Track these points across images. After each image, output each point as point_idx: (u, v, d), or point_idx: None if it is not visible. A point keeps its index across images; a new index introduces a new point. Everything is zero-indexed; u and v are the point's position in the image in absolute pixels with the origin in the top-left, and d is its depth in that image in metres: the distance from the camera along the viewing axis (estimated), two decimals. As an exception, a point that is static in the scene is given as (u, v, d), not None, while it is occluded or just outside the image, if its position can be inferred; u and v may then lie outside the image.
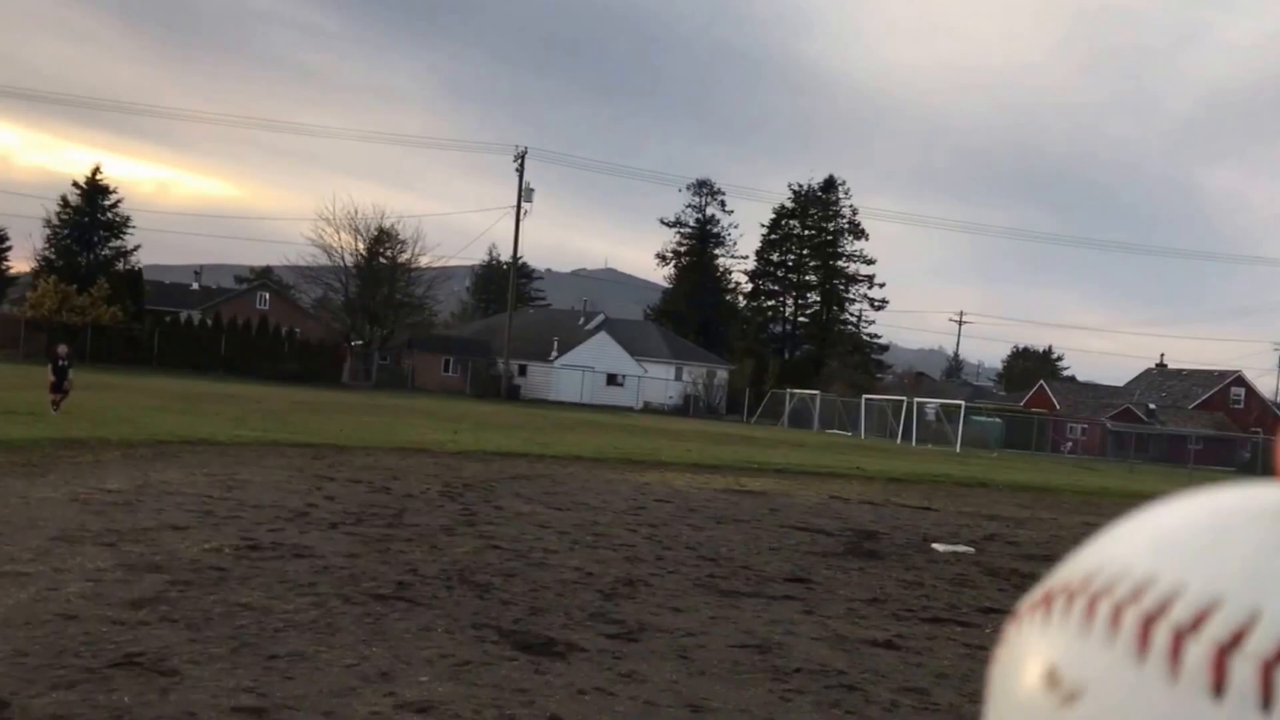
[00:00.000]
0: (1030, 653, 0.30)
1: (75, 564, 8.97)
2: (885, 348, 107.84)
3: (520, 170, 69.15)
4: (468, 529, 12.71)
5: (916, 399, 64.08)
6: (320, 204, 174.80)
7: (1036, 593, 0.32)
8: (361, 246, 76.44)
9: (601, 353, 73.08)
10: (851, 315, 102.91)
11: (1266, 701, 0.26)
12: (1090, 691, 0.28)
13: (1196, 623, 0.27)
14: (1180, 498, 0.30)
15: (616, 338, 75.64)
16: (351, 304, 76.78)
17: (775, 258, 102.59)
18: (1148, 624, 0.28)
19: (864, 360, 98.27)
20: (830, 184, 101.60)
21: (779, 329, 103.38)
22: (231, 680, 6.36)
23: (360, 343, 76.73)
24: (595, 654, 7.72)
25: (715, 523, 15.37)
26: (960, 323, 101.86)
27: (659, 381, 74.91)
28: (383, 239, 77.14)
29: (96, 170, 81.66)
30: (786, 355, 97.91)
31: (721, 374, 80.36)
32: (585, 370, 71.01)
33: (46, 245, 79.59)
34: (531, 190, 68.81)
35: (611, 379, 73.18)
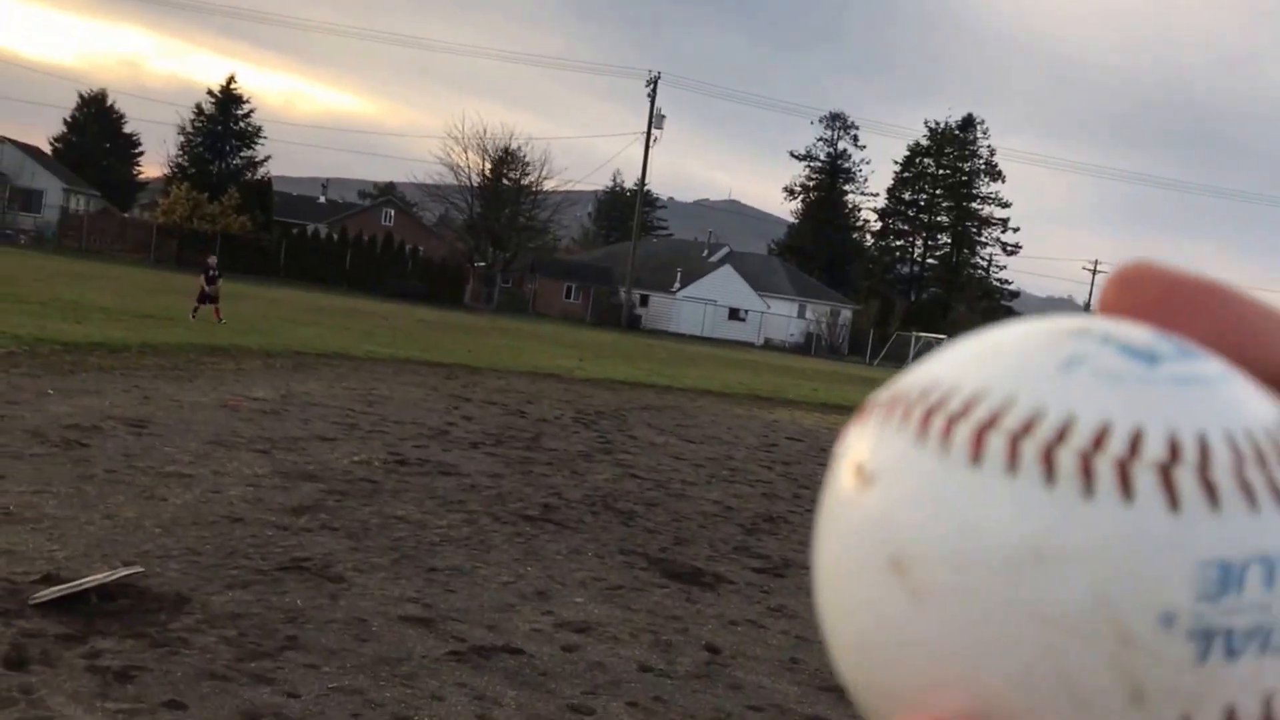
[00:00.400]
0: (847, 453, 0.35)
1: (233, 469, 9.23)
2: (1015, 294, 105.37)
3: (652, 96, 68.74)
4: (605, 456, 12.80)
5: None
6: (447, 122, 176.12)
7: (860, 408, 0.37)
8: (487, 167, 76.84)
9: (725, 286, 72.70)
10: (982, 259, 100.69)
11: (1012, 465, 0.32)
12: (884, 473, 0.33)
13: (965, 410, 0.33)
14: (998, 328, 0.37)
15: (740, 271, 75.16)
16: (475, 225, 77.35)
17: (907, 196, 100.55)
18: (928, 415, 0.33)
19: (993, 306, 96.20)
20: (969, 122, 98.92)
21: (906, 270, 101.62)
22: (396, 590, 6.50)
23: (483, 264, 77.38)
24: (743, 587, 7.73)
25: (848, 463, 15.25)
26: (1095, 271, 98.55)
27: (781, 318, 74.40)
28: (507, 160, 77.42)
29: (231, 80, 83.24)
30: (913, 297, 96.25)
31: (845, 313, 79.46)
32: (708, 303, 70.77)
33: (180, 152, 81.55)
34: (663, 117, 68.41)
35: (733, 313, 72.84)
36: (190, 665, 4.97)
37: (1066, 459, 0.32)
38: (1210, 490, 0.32)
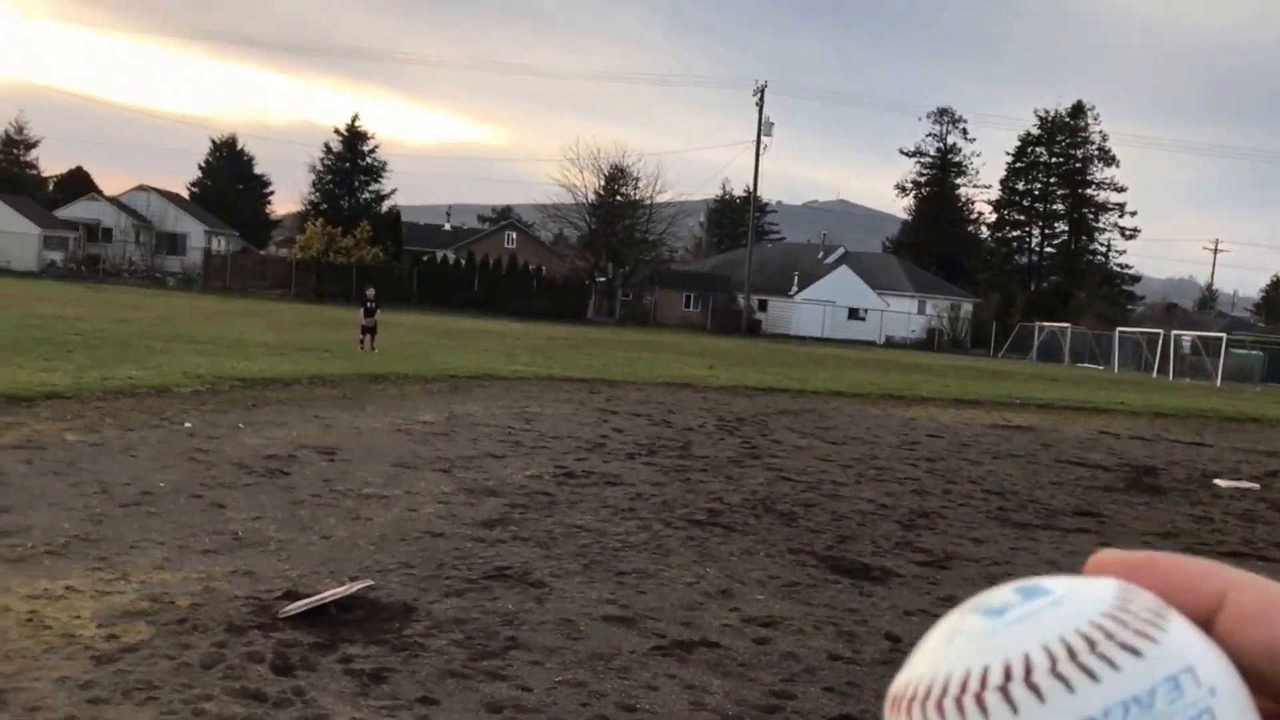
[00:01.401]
0: None
1: (422, 488, 9.93)
2: (1136, 278, 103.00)
3: (760, 105, 69.10)
4: (754, 461, 13.26)
5: (1173, 331, 61.31)
6: (560, 143, 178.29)
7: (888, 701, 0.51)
8: (600, 185, 77.81)
9: (842, 287, 72.53)
10: (1100, 245, 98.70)
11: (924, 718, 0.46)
12: None
13: (909, 694, 0.47)
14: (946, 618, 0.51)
15: (857, 271, 74.93)
16: (593, 241, 78.37)
17: (1021, 187, 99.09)
18: (896, 703, 0.47)
19: (1114, 292, 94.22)
20: (1079, 109, 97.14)
21: (1024, 260, 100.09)
22: (593, 592, 7.06)
23: (603, 279, 78.41)
24: (911, 579, 8.13)
25: (991, 457, 15.49)
26: (1216, 251, 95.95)
27: (901, 315, 73.97)
28: (618, 176, 78.28)
29: (355, 118, 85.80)
30: (1033, 287, 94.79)
31: (966, 307, 78.65)
32: (826, 305, 70.65)
33: (312, 190, 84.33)
34: (771, 124, 68.70)
35: (853, 313, 72.60)
36: (431, 665, 5.57)
37: (948, 704, 0.47)
38: (1035, 690, 0.45)
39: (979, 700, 0.46)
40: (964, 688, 0.47)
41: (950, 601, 7.55)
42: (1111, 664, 0.46)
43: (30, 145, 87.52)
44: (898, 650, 6.45)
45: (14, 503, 8.10)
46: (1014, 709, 0.46)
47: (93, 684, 4.95)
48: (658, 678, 5.67)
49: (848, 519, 10.13)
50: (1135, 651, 0.46)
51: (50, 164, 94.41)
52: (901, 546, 9.19)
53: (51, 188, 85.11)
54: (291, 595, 6.41)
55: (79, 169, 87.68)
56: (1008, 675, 0.46)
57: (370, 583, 6.67)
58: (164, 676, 5.10)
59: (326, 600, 6.23)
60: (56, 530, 7.45)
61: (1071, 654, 0.46)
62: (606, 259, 77.49)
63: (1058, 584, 0.49)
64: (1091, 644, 0.46)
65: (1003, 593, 0.49)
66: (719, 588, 7.44)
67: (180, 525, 7.88)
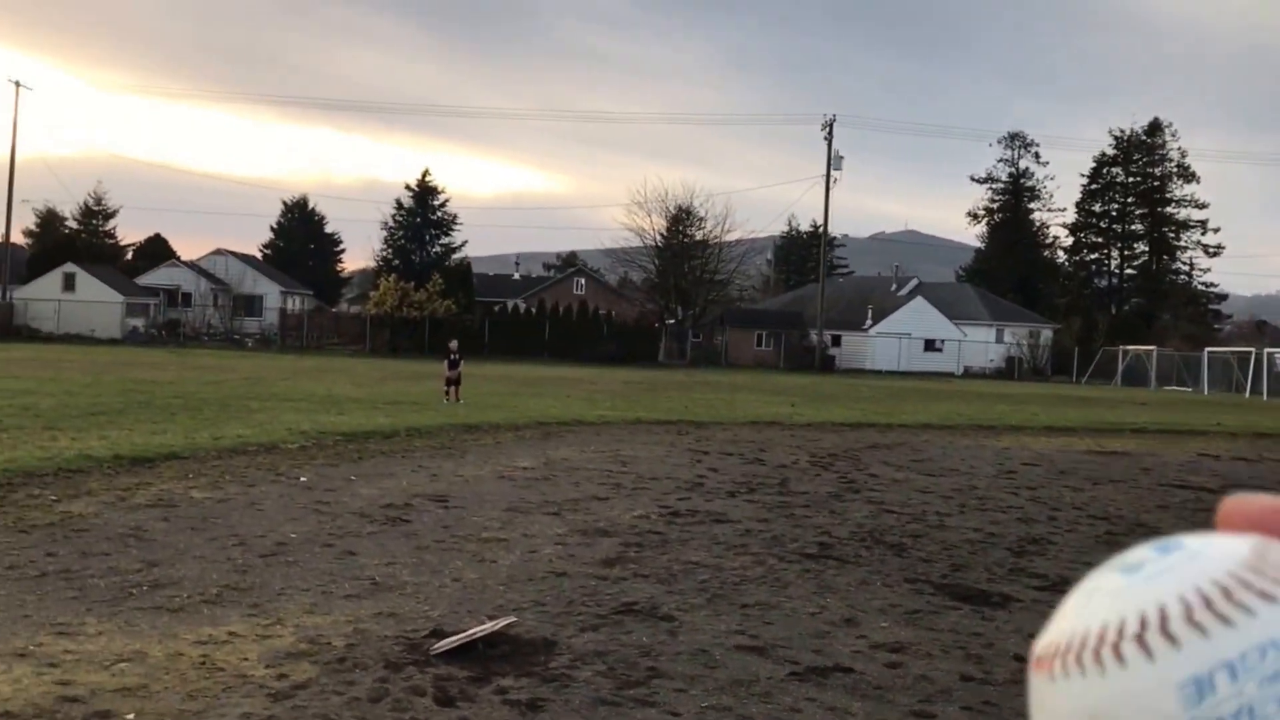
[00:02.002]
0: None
1: (537, 530, 10.22)
2: (1223, 296, 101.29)
3: (829, 139, 69.31)
4: (854, 495, 13.40)
5: (1265, 349, 60.23)
6: (620, 187, 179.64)
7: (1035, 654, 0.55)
8: (662, 226, 78.19)
9: (917, 318, 72.22)
10: (1183, 264, 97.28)
11: (1065, 673, 0.49)
12: (1033, 708, 0.53)
13: (1053, 648, 0.51)
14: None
15: (932, 301, 74.57)
16: (661, 284, 78.74)
17: (1097, 208, 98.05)
18: (1039, 661, 0.52)
19: (1199, 311, 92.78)
20: (1155, 126, 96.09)
21: (1104, 283, 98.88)
22: (721, 624, 7.28)
23: (673, 321, 78.72)
24: (1030, 603, 8.24)
25: (1092, 483, 15.47)
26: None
27: (979, 345, 73.44)
28: (683, 217, 78.66)
29: (426, 173, 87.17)
30: (1114, 310, 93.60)
31: (1046, 333, 77.90)
32: (902, 337, 70.37)
33: (384, 246, 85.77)
34: (841, 158, 68.85)
35: (929, 345, 72.20)
36: (582, 695, 5.82)
37: (1087, 657, 0.51)
38: (1170, 638, 0.48)
39: (1116, 650, 0.50)
40: (1102, 640, 0.50)
41: (1072, 623, 7.68)
42: (1248, 610, 0.48)
43: (109, 215, 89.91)
44: (1026, 671, 6.58)
45: (161, 557, 8.51)
46: (1150, 656, 0.49)
47: (274, 719, 5.26)
48: (799, 701, 5.87)
49: (958, 548, 10.25)
50: (1272, 598, 0.48)
51: (128, 232, 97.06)
52: (1015, 573, 9.29)
53: (131, 255, 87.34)
54: (438, 634, 6.69)
55: (157, 236, 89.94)
56: (1144, 625, 0.50)
57: (514, 619, 6.94)
58: (338, 710, 5.40)
59: (474, 637, 6.51)
60: (207, 581, 7.82)
61: (1207, 602, 0.49)
62: (676, 301, 77.85)
63: (1194, 540, 0.53)
64: (1227, 593, 0.49)
65: (1140, 551, 0.53)
66: (842, 616, 7.62)
67: (319, 572, 8.23)
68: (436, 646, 6.45)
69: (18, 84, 67.15)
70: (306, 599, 7.49)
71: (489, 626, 6.66)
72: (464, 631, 6.64)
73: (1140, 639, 0.50)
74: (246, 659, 6.16)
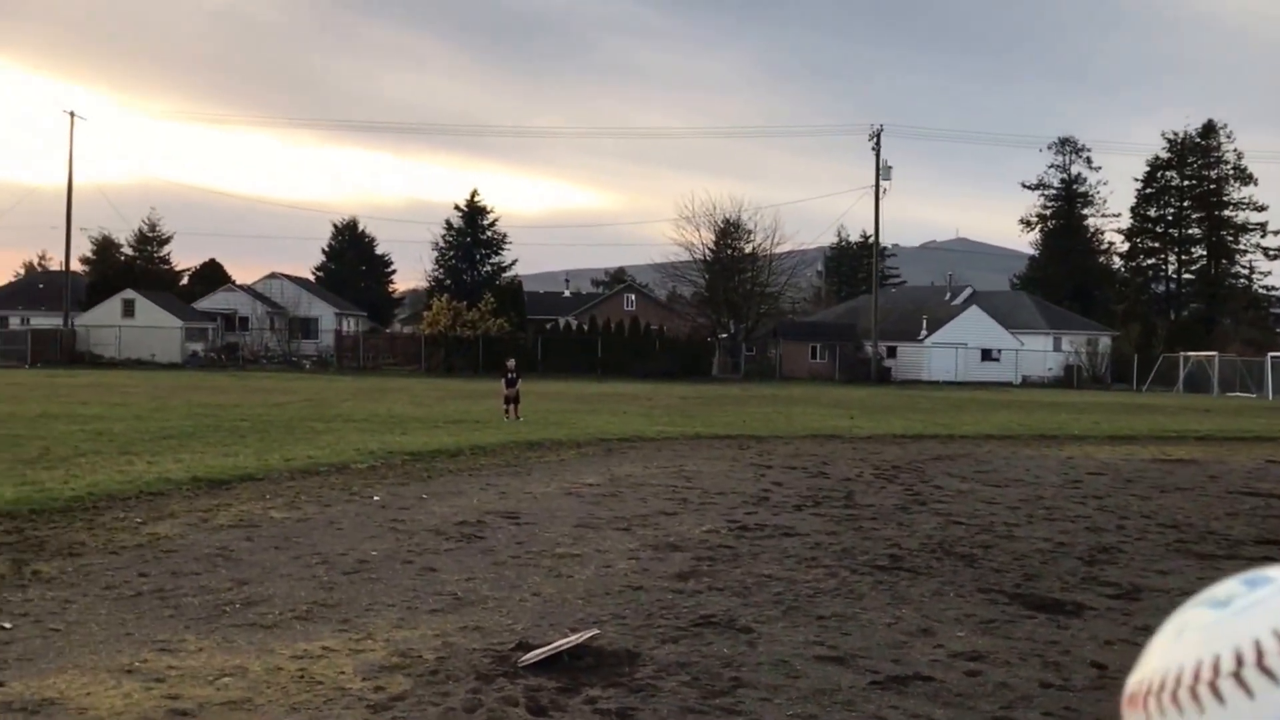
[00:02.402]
0: None
1: (609, 545, 10.39)
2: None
3: (876, 149, 69.17)
4: (921, 507, 13.46)
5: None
6: (667, 202, 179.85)
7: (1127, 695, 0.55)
8: (711, 240, 78.17)
9: (973, 327, 71.73)
10: (1243, 267, 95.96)
11: (1160, 711, 0.50)
12: None
13: (1143, 689, 0.52)
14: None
15: (987, 310, 74.05)
16: (712, 298, 78.71)
17: (1152, 213, 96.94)
18: (1132, 700, 0.53)
19: (1261, 315, 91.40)
20: (1209, 128, 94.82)
21: (1161, 289, 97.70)
22: (799, 635, 7.40)
23: (725, 335, 78.68)
24: (1104, 611, 8.29)
25: (1159, 491, 15.42)
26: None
27: (1037, 354, 72.81)
28: (729, 231, 78.62)
29: (474, 193, 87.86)
30: (1172, 316, 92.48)
31: (1104, 341, 77.06)
32: (958, 347, 69.93)
33: (435, 266, 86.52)
34: (889, 168, 68.67)
35: (986, 354, 71.73)
36: (669, 704, 5.97)
37: (1183, 695, 0.53)
38: (1268, 673, 0.49)
39: (1213, 688, 0.50)
40: (1197, 677, 0.50)
41: (1148, 631, 7.66)
42: None
43: (163, 241, 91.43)
44: (1106, 677, 6.66)
45: (250, 576, 8.77)
46: (1249, 693, 0.49)
47: (375, 730, 5.45)
48: (882, 709, 5.98)
49: (1029, 558, 10.30)
50: None
51: (182, 258, 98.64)
52: (1088, 581, 9.33)
53: (187, 280, 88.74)
54: (523, 646, 6.87)
55: (212, 261, 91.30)
56: (1239, 662, 0.49)
57: (597, 631, 7.11)
58: (436, 719, 5.59)
59: (559, 649, 6.68)
60: (296, 598, 8.06)
61: None
62: (728, 315, 77.83)
63: (1272, 577, 0.53)
64: None
65: (1228, 584, 0.54)
66: (918, 627, 7.71)
67: (403, 588, 8.45)
68: (524, 658, 6.62)
69: (72, 114, 68.48)
70: (393, 614, 7.70)
71: (573, 639, 6.83)
72: (549, 644, 6.81)
73: (1238, 676, 0.49)
74: (343, 672, 6.37)
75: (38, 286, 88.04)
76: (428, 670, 6.43)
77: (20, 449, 16.88)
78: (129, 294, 70.87)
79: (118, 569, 9.00)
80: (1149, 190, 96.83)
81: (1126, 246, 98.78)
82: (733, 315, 77.06)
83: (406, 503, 12.67)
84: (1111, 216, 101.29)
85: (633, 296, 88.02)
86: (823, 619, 7.86)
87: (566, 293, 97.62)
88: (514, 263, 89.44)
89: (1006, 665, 6.86)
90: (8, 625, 7.30)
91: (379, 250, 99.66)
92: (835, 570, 9.52)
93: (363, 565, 9.26)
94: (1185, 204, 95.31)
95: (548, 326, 77.01)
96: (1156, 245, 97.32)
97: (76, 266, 75.20)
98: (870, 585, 8.97)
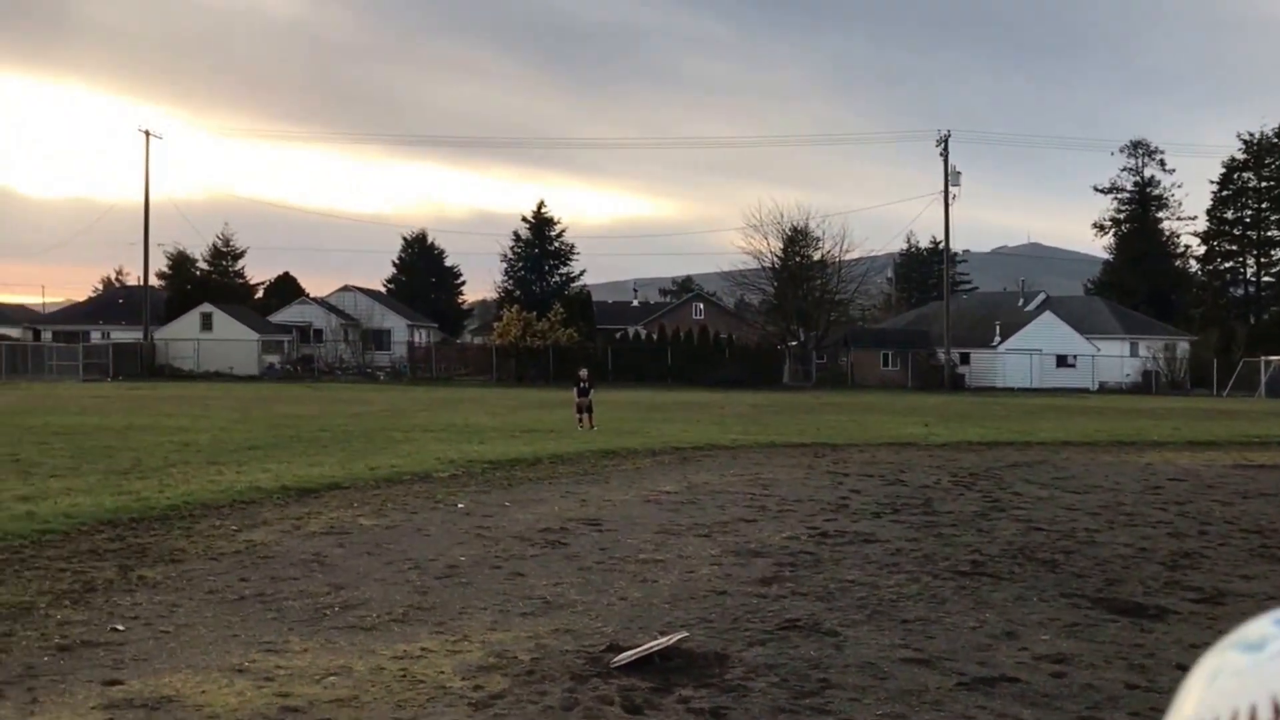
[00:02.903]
0: None
1: (691, 552, 10.57)
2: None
3: (945, 155, 68.73)
4: (1000, 514, 13.48)
5: None
6: (733, 211, 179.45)
7: None
8: (778, 248, 78.04)
9: (1048, 333, 70.91)
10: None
11: None
12: None
13: None
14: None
15: (1062, 316, 73.18)
16: (781, 306, 78.57)
17: (1230, 215, 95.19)
18: None
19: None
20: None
21: (1240, 292, 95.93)
22: (884, 639, 7.52)
23: (795, 343, 78.53)
24: (1188, 615, 8.32)
25: (1241, 497, 15.29)
26: None
27: (1113, 360, 71.78)
28: (797, 239, 78.41)
29: (541, 204, 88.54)
30: (1252, 319, 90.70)
31: (1182, 346, 75.82)
32: (1032, 353, 69.17)
33: (505, 277, 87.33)
34: (958, 174, 68.21)
35: (1061, 360, 70.89)
36: (761, 704, 6.13)
37: None
38: None
39: None
40: None
41: (1234, 634, 7.75)
42: None
43: (237, 255, 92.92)
44: (1193, 680, 6.70)
45: (345, 581, 9.06)
46: None
47: (479, 727, 5.67)
48: (970, 709, 6.09)
49: (1110, 563, 10.31)
50: None
51: (255, 271, 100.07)
52: (1171, 586, 9.35)
53: (262, 294, 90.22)
54: (614, 648, 7.06)
55: (286, 274, 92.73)
56: (1276, 711, 0.49)
57: (685, 634, 7.29)
58: (535, 717, 5.81)
59: (650, 651, 6.86)
60: (392, 601, 8.33)
61: None
62: (798, 322, 77.63)
63: None
64: None
65: (1261, 625, 0.53)
66: (1002, 630, 7.80)
67: (493, 593, 8.69)
68: (616, 660, 6.81)
69: (148, 133, 70.09)
70: (486, 617, 7.94)
71: (663, 641, 7.01)
72: (640, 646, 7.00)
73: None
74: (442, 672, 6.61)
75: (117, 301, 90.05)
76: (524, 670, 6.65)
77: (113, 460, 17.42)
78: (207, 308, 72.35)
79: (219, 574, 9.33)
80: (1225, 192, 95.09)
81: (1203, 250, 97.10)
82: (802, 323, 76.86)
83: (490, 510, 12.95)
84: (1187, 219, 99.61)
85: (701, 305, 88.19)
86: (907, 623, 7.98)
87: (635, 302, 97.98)
88: (582, 273, 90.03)
89: (1091, 667, 6.93)
90: (121, 627, 7.63)
91: (448, 262, 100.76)
92: (917, 576, 9.61)
93: (453, 570, 9.52)
94: (1264, 206, 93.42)
95: (617, 336, 77.39)
96: (1234, 248, 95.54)
97: (153, 281, 76.84)
98: (953, 590, 9.06)
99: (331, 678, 6.51)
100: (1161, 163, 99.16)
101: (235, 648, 7.14)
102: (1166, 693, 6.60)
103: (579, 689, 6.31)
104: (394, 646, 7.15)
